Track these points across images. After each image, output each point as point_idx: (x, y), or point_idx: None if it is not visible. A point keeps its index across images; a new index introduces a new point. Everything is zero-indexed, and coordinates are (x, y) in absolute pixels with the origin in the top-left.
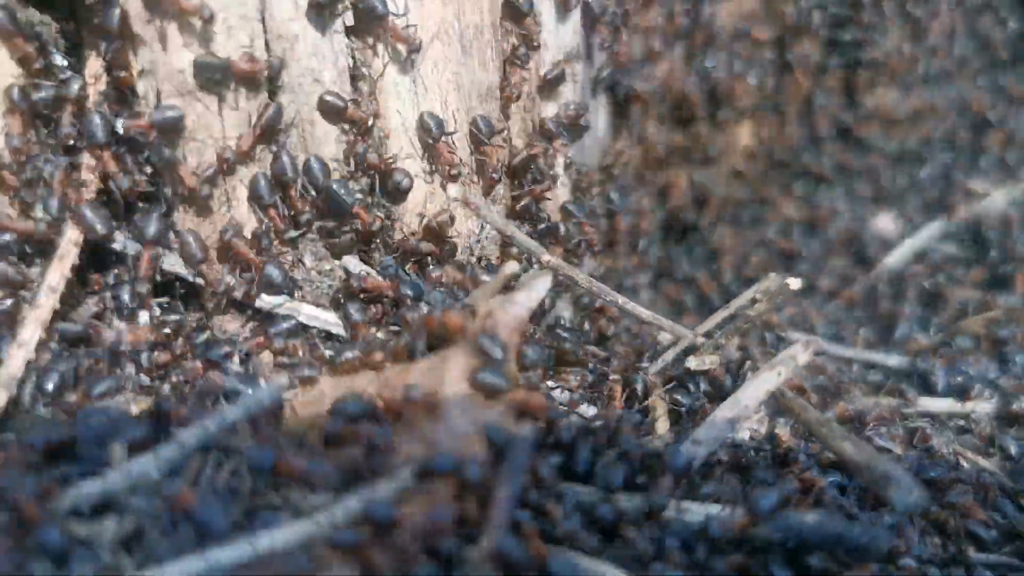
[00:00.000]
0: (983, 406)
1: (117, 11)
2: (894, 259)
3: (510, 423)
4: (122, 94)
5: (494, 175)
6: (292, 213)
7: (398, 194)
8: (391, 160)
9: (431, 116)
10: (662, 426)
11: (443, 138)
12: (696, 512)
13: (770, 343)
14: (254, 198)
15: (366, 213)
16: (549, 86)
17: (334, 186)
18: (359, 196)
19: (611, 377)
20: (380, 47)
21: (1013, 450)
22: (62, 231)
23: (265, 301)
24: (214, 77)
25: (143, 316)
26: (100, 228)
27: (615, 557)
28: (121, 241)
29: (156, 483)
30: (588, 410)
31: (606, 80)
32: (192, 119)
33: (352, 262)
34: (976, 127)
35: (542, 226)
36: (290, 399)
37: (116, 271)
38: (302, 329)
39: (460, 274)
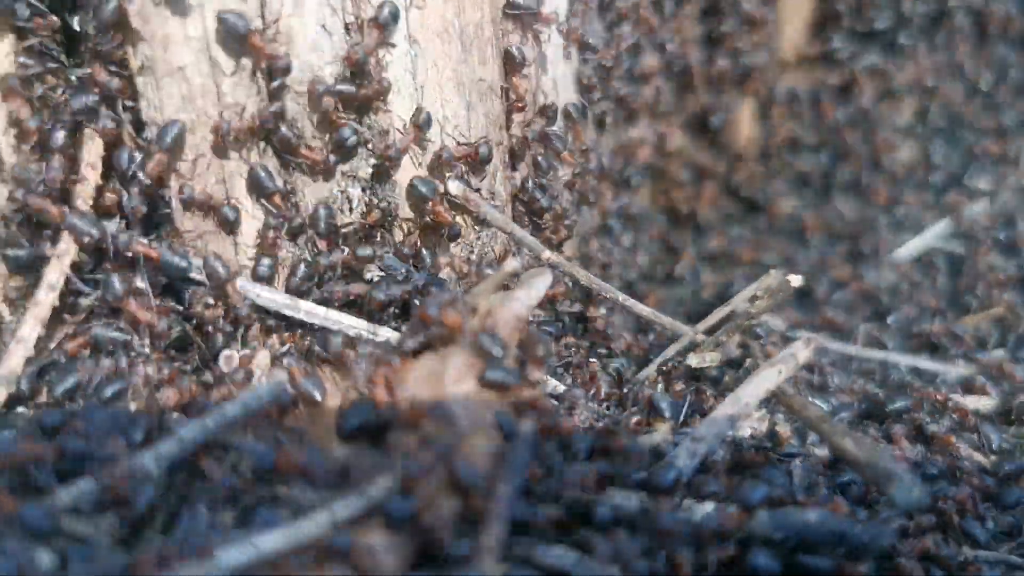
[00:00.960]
0: (984, 402)
1: (114, 3)
2: (899, 257)
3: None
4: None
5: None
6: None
7: (344, 151)
8: (341, 117)
9: (422, 181)
10: (662, 424)
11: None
12: (696, 511)
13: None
14: (255, 189)
15: (445, 212)
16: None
17: (415, 181)
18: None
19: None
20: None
21: (995, 442)
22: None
23: (265, 300)
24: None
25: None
26: (93, 232)
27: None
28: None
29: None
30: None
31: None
32: (191, 117)
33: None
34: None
35: None
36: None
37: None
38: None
39: (465, 267)
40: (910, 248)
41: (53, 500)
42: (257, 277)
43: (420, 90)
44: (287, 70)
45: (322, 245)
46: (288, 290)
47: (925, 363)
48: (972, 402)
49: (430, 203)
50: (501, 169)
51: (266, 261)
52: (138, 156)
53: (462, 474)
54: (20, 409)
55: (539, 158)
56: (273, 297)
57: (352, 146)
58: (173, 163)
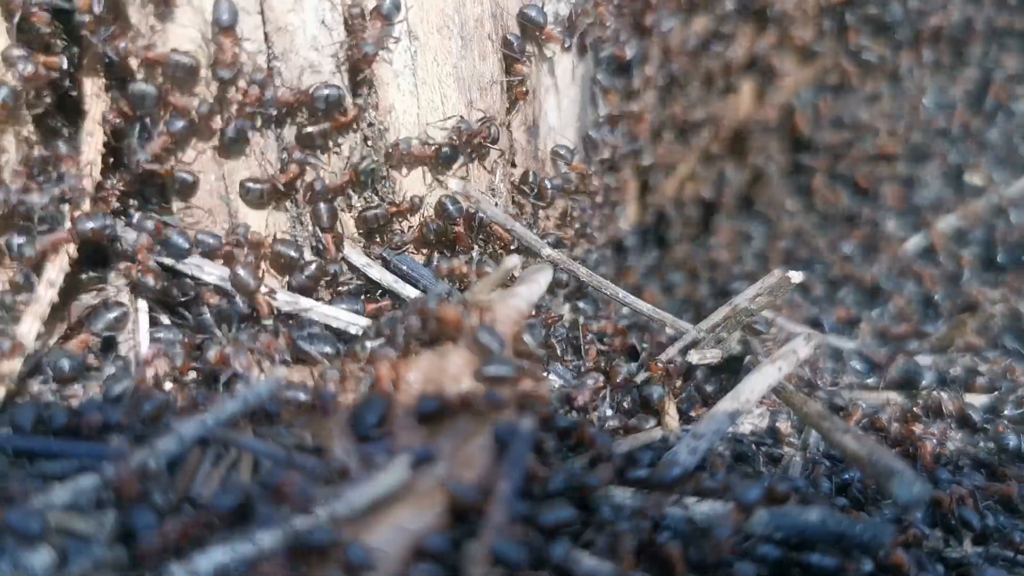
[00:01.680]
0: (982, 400)
1: None
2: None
3: (512, 415)
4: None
5: None
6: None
7: (331, 109)
8: (309, 88)
9: (451, 201)
10: (672, 422)
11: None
12: (696, 510)
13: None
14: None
15: (467, 234)
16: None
17: (445, 200)
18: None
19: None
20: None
21: (976, 418)
22: (60, 224)
23: (282, 301)
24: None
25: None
26: (93, 224)
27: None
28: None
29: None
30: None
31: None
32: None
33: (354, 254)
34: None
35: None
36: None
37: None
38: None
39: (464, 267)
40: (916, 242)
41: (43, 501)
42: (226, 143)
43: (420, 85)
44: (229, 82)
45: (327, 240)
46: (291, 288)
47: (926, 359)
48: (971, 400)
49: (455, 224)
50: (501, 165)
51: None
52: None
53: (456, 492)
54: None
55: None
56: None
57: (335, 100)
58: (176, 150)
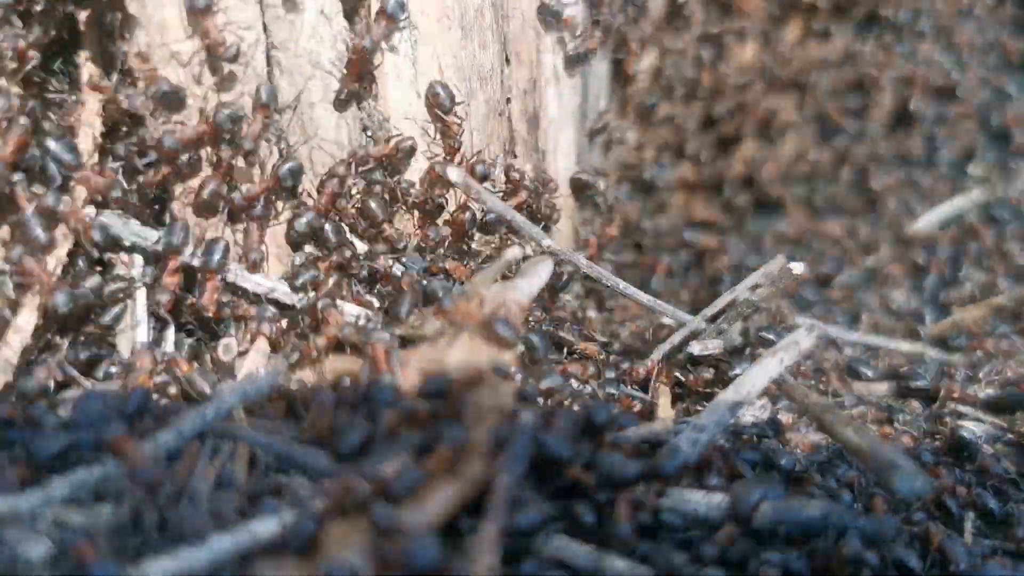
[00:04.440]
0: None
1: None
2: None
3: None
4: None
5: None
6: None
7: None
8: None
9: (442, 86)
10: (665, 412)
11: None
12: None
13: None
14: None
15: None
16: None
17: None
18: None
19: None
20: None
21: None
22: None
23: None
24: None
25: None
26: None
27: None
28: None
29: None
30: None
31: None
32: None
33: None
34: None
35: None
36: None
37: None
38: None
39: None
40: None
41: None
42: None
43: (420, 76)
44: (234, 58)
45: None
46: None
47: (931, 352)
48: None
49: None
50: (502, 156)
51: None
52: None
53: None
54: None
55: None
56: (261, 282)
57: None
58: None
